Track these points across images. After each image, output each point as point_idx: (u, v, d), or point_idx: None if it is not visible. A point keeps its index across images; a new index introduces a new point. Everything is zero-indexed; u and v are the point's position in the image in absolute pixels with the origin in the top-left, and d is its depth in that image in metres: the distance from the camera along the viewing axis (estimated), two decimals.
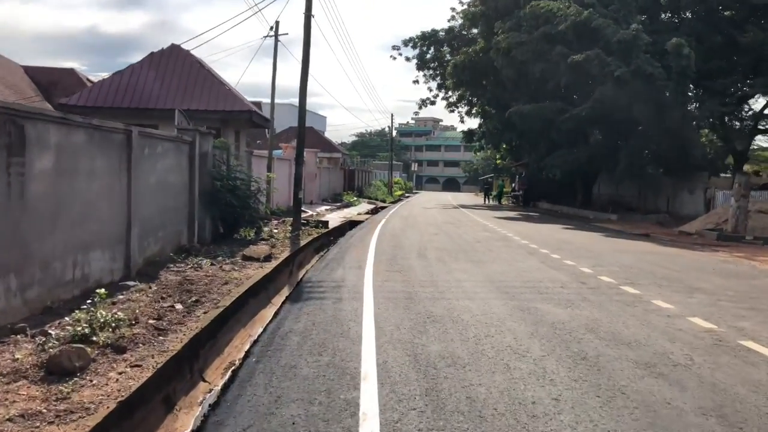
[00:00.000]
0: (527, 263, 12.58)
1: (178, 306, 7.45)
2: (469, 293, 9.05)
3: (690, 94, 27.65)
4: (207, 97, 18.07)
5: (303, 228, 16.95)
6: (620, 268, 12.01)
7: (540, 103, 32.50)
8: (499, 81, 37.23)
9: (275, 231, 15.82)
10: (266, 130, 25.42)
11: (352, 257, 13.22)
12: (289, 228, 16.59)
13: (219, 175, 13.14)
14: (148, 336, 5.97)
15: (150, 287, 8.26)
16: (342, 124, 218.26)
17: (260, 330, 7.29)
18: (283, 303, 8.48)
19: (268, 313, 8.45)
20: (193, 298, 7.79)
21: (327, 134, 67.50)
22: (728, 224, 20.30)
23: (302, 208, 19.85)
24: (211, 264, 10.28)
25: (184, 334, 6.09)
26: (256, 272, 9.77)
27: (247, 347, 6.63)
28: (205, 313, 7.09)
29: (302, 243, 13.96)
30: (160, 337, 6.00)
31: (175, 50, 19.62)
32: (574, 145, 34.21)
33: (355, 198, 39.52)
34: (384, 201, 44.91)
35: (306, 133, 21.44)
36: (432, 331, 6.78)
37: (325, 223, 19.29)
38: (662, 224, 27.56)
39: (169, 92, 17.95)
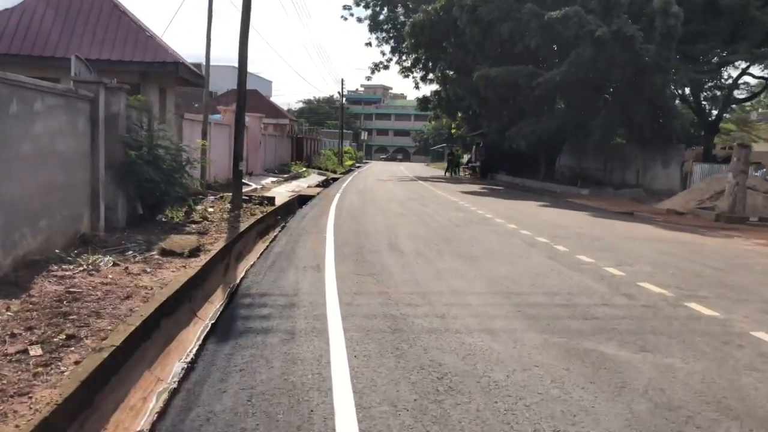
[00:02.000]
0: (534, 260, 9.81)
1: (35, 350, 4.55)
2: (482, 317, 6.24)
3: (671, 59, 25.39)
4: (122, 44, 14.42)
5: (245, 206, 14.32)
6: (652, 268, 9.38)
7: (507, 66, 29.82)
8: (462, 43, 34.33)
9: (210, 210, 13.09)
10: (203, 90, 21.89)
11: (306, 250, 10.32)
12: (228, 206, 13.82)
13: (136, 142, 10.38)
14: None
15: (9, 307, 5.35)
16: (288, 90, 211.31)
17: (175, 370, 4.80)
18: (206, 338, 5.59)
19: (190, 335, 5.74)
20: (68, 330, 4.94)
21: (273, 99, 63.45)
22: (725, 203, 18.24)
23: (244, 181, 17.28)
24: (114, 264, 7.37)
25: (16, 427, 3.24)
26: (176, 275, 6.97)
27: (151, 405, 4.08)
28: (77, 363, 4.24)
29: (243, 227, 11.26)
30: None
31: None
32: (540, 113, 31.84)
33: (304, 168, 36.53)
34: (335, 172, 42.19)
35: (250, 97, 18.39)
36: (456, 416, 3.92)
37: (271, 200, 16.53)
38: (639, 200, 25.56)
39: (73, 37, 14.19)
